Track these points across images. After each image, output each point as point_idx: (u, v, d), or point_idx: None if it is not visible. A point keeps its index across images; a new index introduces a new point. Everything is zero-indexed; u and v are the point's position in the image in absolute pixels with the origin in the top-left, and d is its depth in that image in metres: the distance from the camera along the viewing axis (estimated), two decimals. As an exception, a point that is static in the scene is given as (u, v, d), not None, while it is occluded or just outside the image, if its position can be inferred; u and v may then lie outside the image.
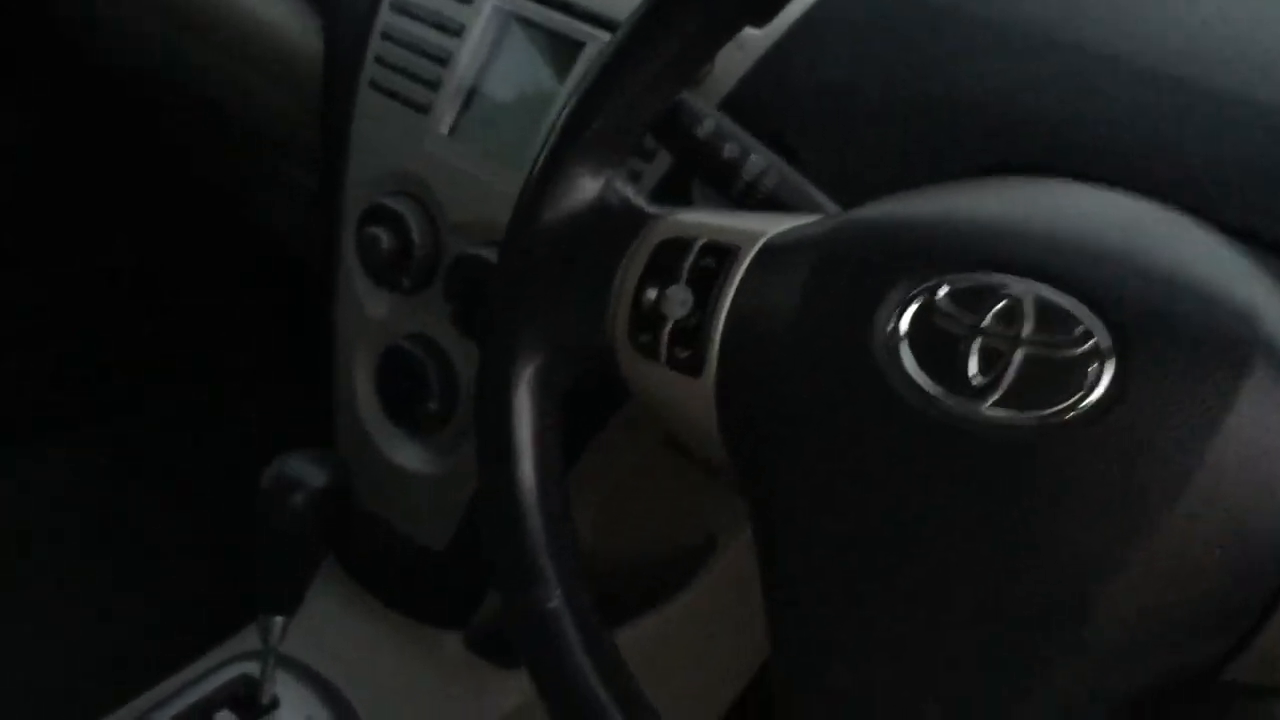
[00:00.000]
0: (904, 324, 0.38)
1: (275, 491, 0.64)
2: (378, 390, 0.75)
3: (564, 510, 0.46)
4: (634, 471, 0.76)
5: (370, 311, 0.74)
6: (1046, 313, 0.36)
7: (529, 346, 0.45)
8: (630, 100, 0.45)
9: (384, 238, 0.71)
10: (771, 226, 0.44)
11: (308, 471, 0.65)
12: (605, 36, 0.64)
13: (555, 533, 0.45)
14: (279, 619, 0.67)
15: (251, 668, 0.74)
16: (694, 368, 0.43)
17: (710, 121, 0.50)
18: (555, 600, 0.43)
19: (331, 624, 0.78)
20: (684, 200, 0.56)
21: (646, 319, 0.44)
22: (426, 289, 0.72)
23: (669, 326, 0.43)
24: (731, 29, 0.45)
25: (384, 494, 0.76)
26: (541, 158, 0.45)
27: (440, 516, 0.74)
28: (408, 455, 0.74)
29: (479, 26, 0.68)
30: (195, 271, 1.11)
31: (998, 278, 0.37)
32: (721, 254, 0.43)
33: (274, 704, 0.72)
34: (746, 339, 0.41)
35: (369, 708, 0.73)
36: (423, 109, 0.69)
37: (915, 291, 0.38)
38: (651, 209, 0.46)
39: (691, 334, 0.43)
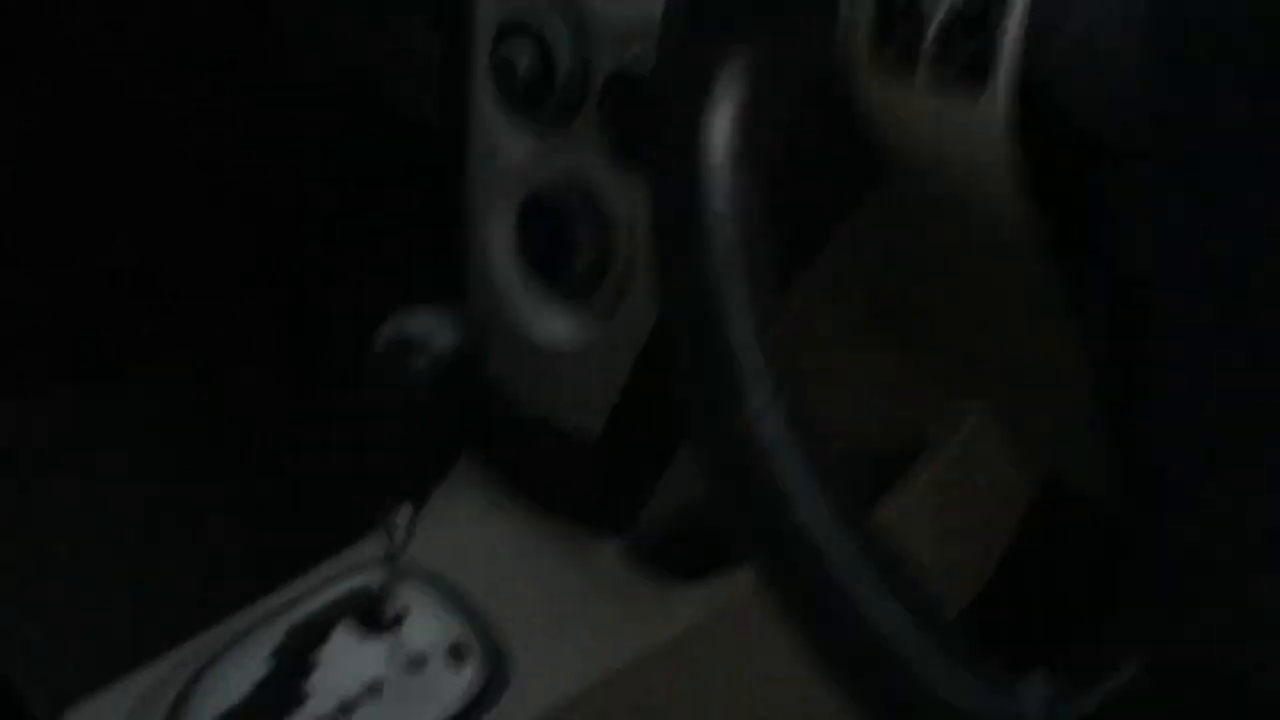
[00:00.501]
0: None
1: (391, 354, 0.52)
2: (518, 248, 0.62)
3: (775, 315, 0.32)
4: (827, 350, 0.62)
5: (507, 153, 0.62)
6: None
7: (730, 67, 0.31)
8: None
9: (522, 57, 0.58)
10: None
11: (432, 329, 0.53)
12: None
13: (766, 335, 0.31)
14: (403, 515, 0.56)
15: (373, 578, 0.63)
16: (978, 74, 0.28)
17: None
18: (775, 410, 0.30)
19: (465, 528, 0.66)
20: None
21: (896, 19, 0.30)
22: (574, 119, 0.59)
23: (937, 20, 0.29)
24: None
25: (526, 373, 0.63)
26: None
27: (593, 399, 0.61)
28: (554, 325, 0.62)
29: None
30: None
31: None
32: None
33: (400, 618, 0.61)
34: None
35: (509, 624, 0.61)
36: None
37: None
38: None
39: (974, 22, 0.28)
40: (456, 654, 0.59)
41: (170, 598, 0.79)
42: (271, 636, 0.60)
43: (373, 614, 0.61)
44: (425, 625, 0.61)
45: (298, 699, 0.57)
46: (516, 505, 0.67)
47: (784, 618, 0.30)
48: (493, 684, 0.59)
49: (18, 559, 0.82)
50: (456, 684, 0.58)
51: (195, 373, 0.97)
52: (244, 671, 0.59)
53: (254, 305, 1.05)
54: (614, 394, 0.60)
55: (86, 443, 0.90)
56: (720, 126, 0.30)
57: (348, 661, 0.59)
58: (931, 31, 0.29)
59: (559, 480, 0.65)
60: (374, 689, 0.58)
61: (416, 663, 0.59)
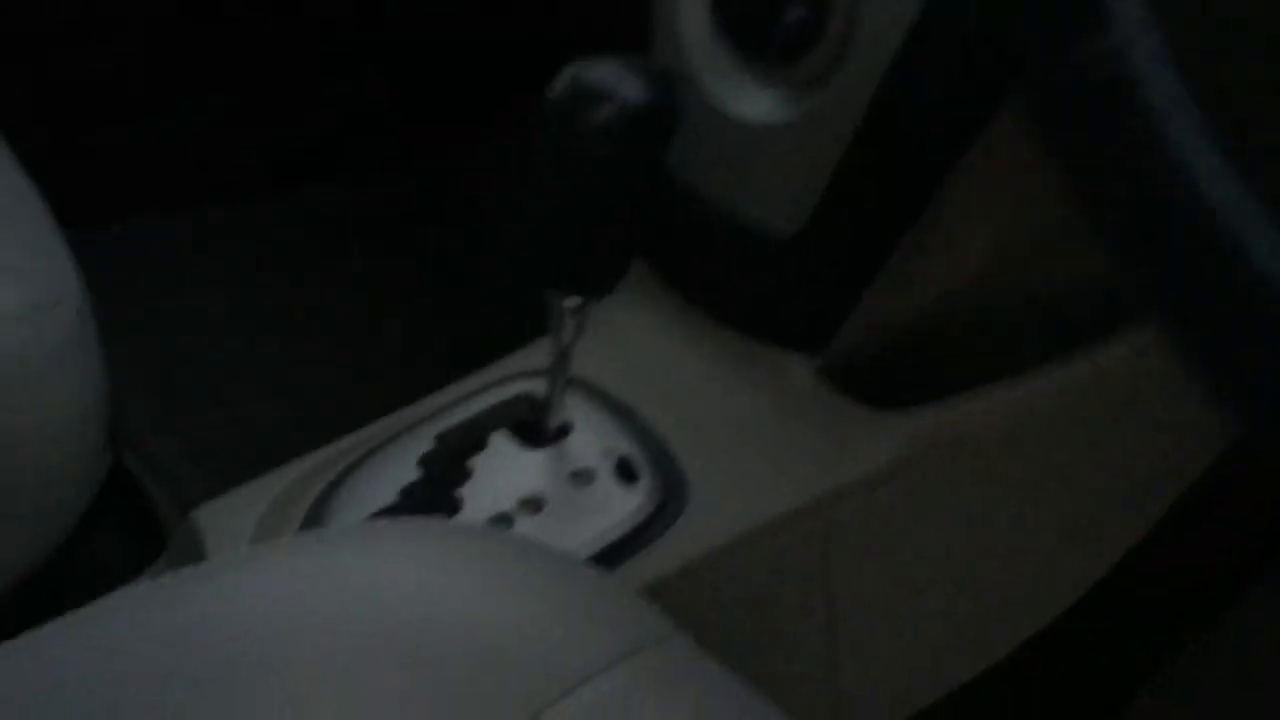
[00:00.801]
0: None
1: (569, 104, 0.44)
2: (713, 4, 0.53)
3: None
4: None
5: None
6: None
7: None
8: None
9: None
10: None
11: (617, 79, 0.44)
12: None
13: None
14: (572, 307, 0.48)
15: (536, 386, 0.56)
16: None
17: None
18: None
19: (636, 340, 0.59)
20: None
21: None
22: None
23: None
24: None
25: (713, 156, 0.55)
26: None
27: (793, 188, 0.53)
28: (751, 97, 0.53)
29: None
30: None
31: None
32: None
33: (563, 431, 0.54)
34: None
35: (685, 446, 0.54)
36: None
37: None
38: None
39: None
40: (626, 472, 0.52)
41: (317, 404, 0.74)
42: (420, 442, 0.54)
43: (534, 424, 0.55)
44: (591, 440, 0.54)
45: (448, 507, 0.51)
46: (695, 317, 0.59)
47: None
48: (667, 507, 0.52)
49: (165, 365, 0.79)
50: (626, 503, 0.51)
51: (353, 178, 0.92)
52: (390, 476, 0.53)
53: (399, 104, 1.01)
54: (819, 182, 0.51)
55: (238, 250, 0.86)
56: None
57: (505, 472, 0.52)
58: None
59: (746, 288, 0.57)
60: (533, 503, 0.51)
61: (581, 478, 0.52)
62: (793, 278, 0.55)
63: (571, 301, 0.48)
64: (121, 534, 0.74)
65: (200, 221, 0.89)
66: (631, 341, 0.59)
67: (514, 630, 0.34)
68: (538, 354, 0.59)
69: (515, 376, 0.57)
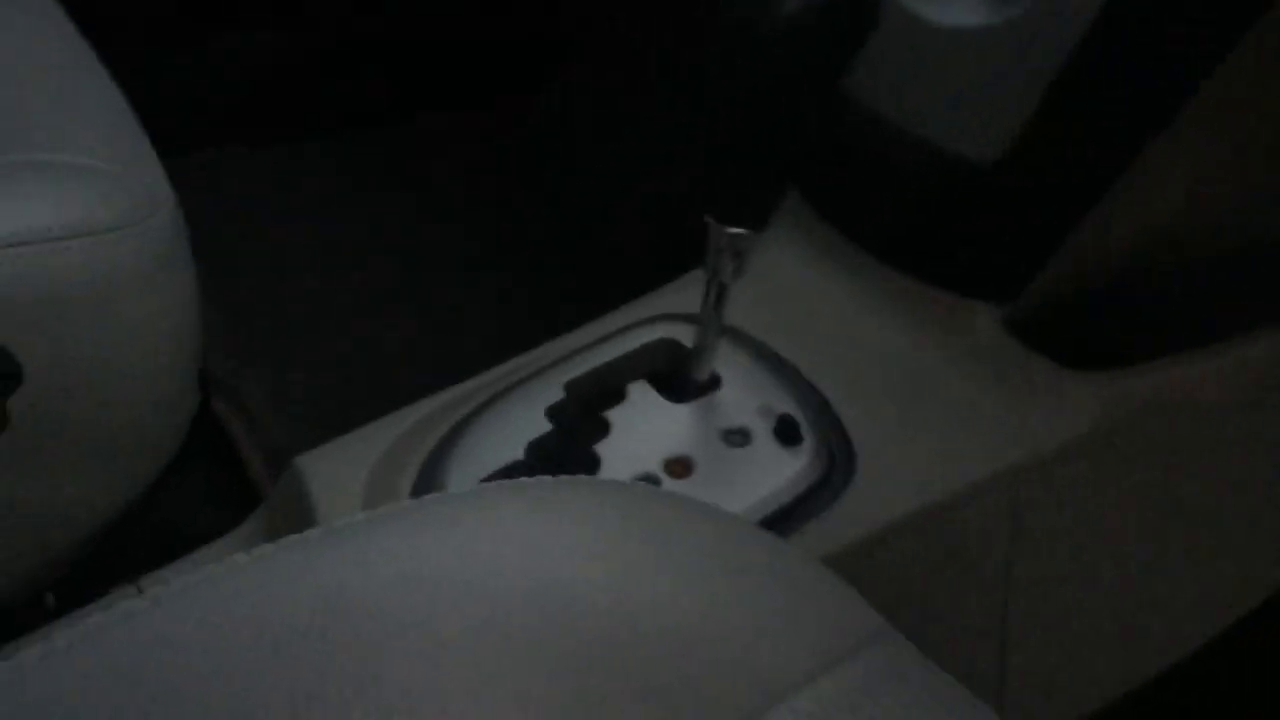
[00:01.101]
0: None
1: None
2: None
3: None
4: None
5: None
6: None
7: None
8: None
9: None
10: None
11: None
12: None
13: None
14: (734, 242, 0.41)
15: (681, 331, 0.49)
16: None
17: None
18: None
19: (792, 279, 0.52)
20: None
21: None
22: None
23: None
24: None
25: (905, 70, 0.47)
26: None
27: (998, 107, 0.45)
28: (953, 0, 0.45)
29: None
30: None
31: None
32: None
33: (713, 384, 0.48)
34: None
35: (854, 406, 0.47)
36: None
37: None
38: None
39: None
40: (786, 433, 0.45)
41: (440, 344, 0.69)
42: (548, 391, 0.48)
43: (677, 375, 0.48)
44: (745, 395, 0.47)
45: (582, 465, 0.45)
46: (857, 259, 0.51)
47: None
48: (832, 476, 0.45)
49: (278, 301, 0.74)
50: (787, 469, 0.44)
51: (483, 108, 0.86)
52: (514, 429, 0.47)
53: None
54: (1030, 101, 0.44)
55: (366, 185, 0.81)
56: None
57: (647, 427, 0.46)
58: None
59: (928, 226, 0.49)
60: (681, 463, 0.45)
61: (735, 438, 0.46)
62: (987, 214, 0.47)
63: (735, 235, 0.42)
64: (208, 480, 0.70)
65: (284, 155, 0.84)
66: (784, 283, 0.52)
67: (712, 621, 0.27)
68: (678, 295, 0.52)
69: (655, 319, 0.50)
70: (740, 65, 0.38)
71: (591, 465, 0.44)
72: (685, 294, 0.51)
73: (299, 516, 0.45)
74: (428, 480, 0.45)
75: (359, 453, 0.47)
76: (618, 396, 0.48)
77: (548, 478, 0.32)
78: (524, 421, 0.47)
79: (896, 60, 0.46)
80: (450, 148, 0.86)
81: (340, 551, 0.27)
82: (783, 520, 0.43)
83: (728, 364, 0.48)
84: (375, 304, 0.74)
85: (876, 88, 0.48)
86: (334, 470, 0.46)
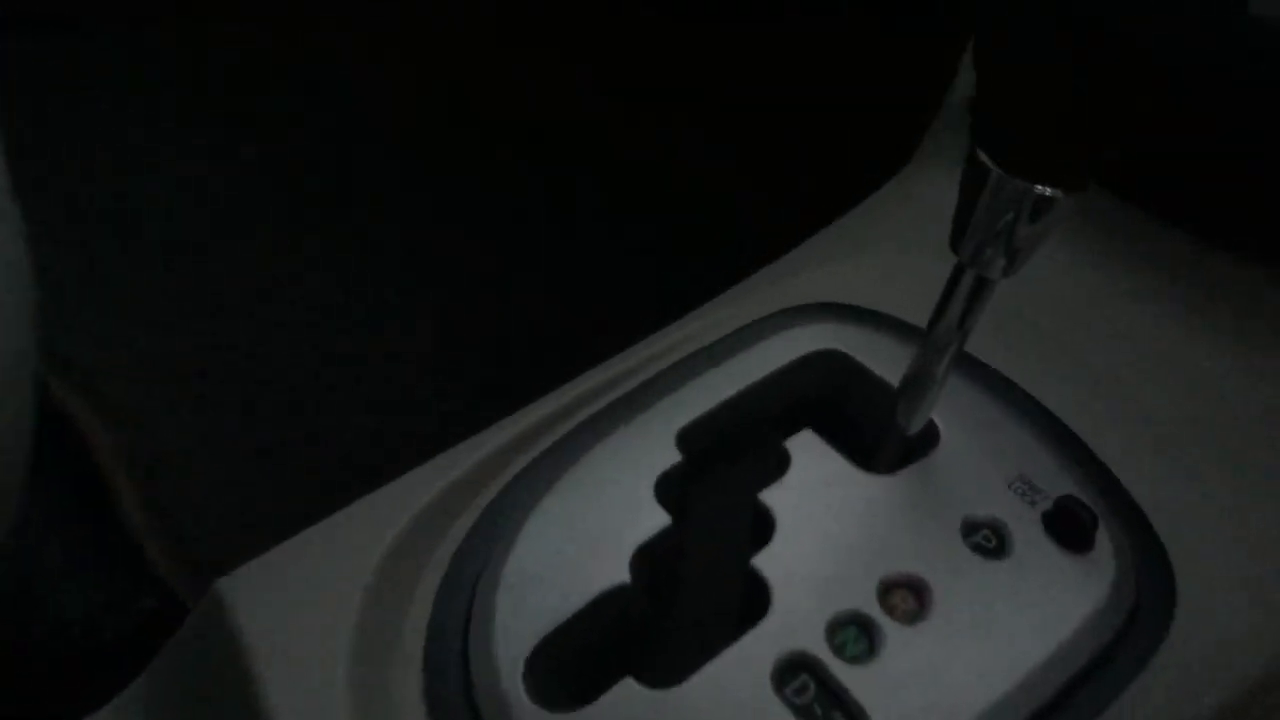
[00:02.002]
0: None
1: None
2: None
3: None
4: None
5: None
6: None
7: None
8: None
9: None
10: None
11: None
12: None
13: None
14: (1036, 204, 0.23)
15: (851, 339, 0.31)
16: None
17: None
18: None
19: (1064, 287, 0.33)
20: None
21: None
22: None
23: None
24: None
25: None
26: None
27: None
28: None
29: None
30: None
31: None
32: None
33: (925, 440, 0.29)
34: None
35: (1159, 489, 0.29)
36: None
37: None
38: None
39: None
40: (1069, 530, 0.27)
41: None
42: (649, 441, 0.29)
43: (854, 419, 0.30)
44: (984, 461, 0.29)
45: (739, 595, 0.26)
46: (1159, 244, 0.33)
47: None
48: (1143, 607, 0.27)
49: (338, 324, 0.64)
50: (1076, 594, 0.26)
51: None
52: (605, 512, 0.28)
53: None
54: None
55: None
56: None
57: (834, 522, 0.27)
58: None
59: (1242, 165, 0.31)
60: (908, 588, 0.26)
61: (983, 537, 0.27)
62: None
63: (1039, 196, 0.23)
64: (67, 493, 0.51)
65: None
66: (1042, 289, 0.33)
67: None
68: (801, 277, 0.33)
69: (805, 312, 0.32)
70: None
71: (756, 596, 0.26)
72: (817, 274, 0.33)
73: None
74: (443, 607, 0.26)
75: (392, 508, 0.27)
76: (761, 457, 0.29)
77: None
78: (623, 494, 0.28)
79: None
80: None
81: None
82: (1078, 692, 0.25)
83: (951, 408, 0.29)
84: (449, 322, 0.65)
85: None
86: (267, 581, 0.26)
